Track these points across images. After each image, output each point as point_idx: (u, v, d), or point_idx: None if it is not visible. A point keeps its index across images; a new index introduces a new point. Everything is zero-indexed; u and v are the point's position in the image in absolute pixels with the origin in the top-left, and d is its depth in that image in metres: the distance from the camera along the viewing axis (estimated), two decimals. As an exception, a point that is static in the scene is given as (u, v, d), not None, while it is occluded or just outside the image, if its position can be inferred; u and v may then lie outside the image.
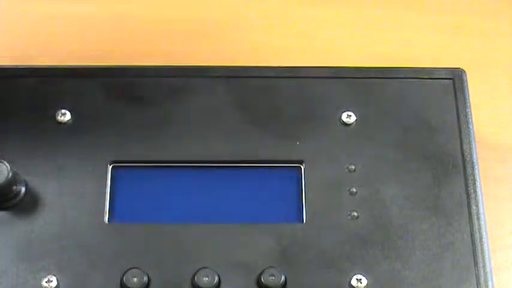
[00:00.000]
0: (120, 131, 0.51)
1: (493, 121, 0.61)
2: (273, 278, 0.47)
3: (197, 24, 0.62)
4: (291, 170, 0.50)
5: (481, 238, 0.49)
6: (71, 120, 0.51)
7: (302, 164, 0.50)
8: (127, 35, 0.61)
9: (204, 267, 0.47)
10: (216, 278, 0.47)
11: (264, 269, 0.47)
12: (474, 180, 0.50)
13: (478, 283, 0.48)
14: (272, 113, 0.51)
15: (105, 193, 0.49)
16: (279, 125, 0.51)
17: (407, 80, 0.53)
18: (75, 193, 0.49)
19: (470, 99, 0.53)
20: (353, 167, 0.50)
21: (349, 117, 0.51)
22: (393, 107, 0.52)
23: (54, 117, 0.51)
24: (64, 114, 0.51)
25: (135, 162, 0.50)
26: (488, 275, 0.48)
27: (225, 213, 0.49)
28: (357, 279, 0.48)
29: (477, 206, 0.50)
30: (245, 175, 0.50)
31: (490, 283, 0.48)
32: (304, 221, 0.49)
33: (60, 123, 0.51)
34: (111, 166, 0.50)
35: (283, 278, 0.47)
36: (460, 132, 0.52)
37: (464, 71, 0.53)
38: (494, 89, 0.63)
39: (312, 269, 0.48)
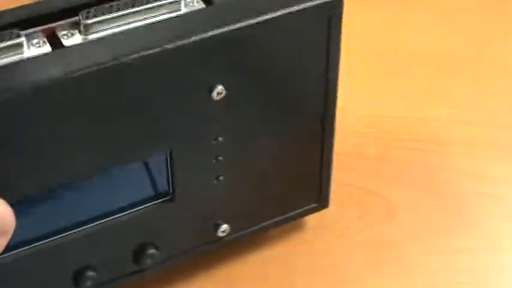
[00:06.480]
0: None
1: (493, 121, 0.62)
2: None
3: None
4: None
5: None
6: None
7: (170, 150, 0.47)
8: None
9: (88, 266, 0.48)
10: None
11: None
12: None
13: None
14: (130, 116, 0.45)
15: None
16: (140, 124, 0.45)
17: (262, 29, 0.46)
18: None
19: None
20: (220, 138, 0.48)
21: (219, 94, 0.46)
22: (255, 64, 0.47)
23: None
24: None
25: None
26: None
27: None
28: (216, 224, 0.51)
29: None
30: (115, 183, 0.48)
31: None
32: (174, 199, 0.49)
33: None
34: None
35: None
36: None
37: None
38: (493, 88, 0.64)
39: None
